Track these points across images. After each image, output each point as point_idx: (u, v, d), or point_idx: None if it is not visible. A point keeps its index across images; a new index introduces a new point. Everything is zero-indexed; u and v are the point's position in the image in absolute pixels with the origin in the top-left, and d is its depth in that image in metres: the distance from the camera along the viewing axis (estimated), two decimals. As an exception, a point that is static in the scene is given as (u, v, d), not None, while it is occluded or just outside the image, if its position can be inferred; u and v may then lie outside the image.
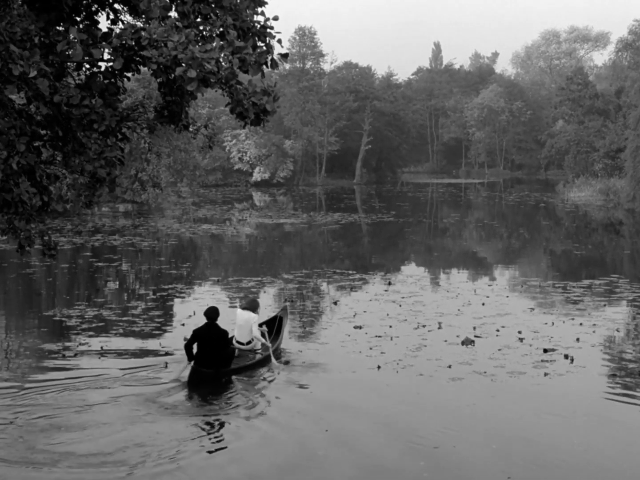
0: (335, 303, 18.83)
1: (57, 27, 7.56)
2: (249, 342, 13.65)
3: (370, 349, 14.35)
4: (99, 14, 8.10)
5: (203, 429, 10.50)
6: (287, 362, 13.47)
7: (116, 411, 10.88)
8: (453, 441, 9.97)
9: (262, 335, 13.86)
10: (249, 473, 9.09)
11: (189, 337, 12.83)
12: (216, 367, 12.42)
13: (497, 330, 15.81)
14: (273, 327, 14.72)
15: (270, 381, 12.66)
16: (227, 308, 18.55)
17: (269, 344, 13.68)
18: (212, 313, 12.69)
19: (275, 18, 7.40)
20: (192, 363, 12.40)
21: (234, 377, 12.62)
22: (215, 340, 12.42)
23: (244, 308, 13.85)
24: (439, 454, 9.60)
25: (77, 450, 9.56)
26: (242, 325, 13.65)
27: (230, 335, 13.21)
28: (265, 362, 13.31)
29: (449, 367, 13.17)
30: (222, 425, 10.73)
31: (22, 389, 11.85)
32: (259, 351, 13.66)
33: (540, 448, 9.79)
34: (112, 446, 9.67)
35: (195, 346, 12.54)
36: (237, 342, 13.70)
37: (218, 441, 10.17)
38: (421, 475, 9.02)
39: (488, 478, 9.00)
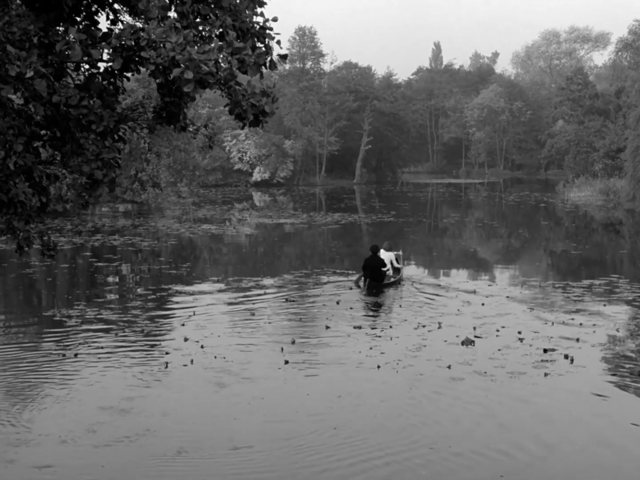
0: (337, 302, 18.78)
1: (57, 27, 7.54)
2: (387, 269, 21.56)
3: (370, 349, 14.35)
4: (99, 14, 8.08)
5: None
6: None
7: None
8: (449, 441, 9.97)
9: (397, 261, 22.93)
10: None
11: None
12: (378, 281, 20.85)
13: (497, 331, 15.80)
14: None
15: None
16: (229, 305, 18.58)
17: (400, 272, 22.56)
18: (374, 248, 21.44)
19: (275, 19, 7.38)
20: (366, 279, 20.80)
21: (386, 288, 20.78)
22: (377, 265, 20.91)
23: (385, 250, 22.30)
24: (435, 453, 9.60)
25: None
26: (384, 258, 21.73)
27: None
28: (397, 282, 21.70)
29: (449, 367, 13.16)
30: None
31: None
32: (392, 275, 21.99)
33: (538, 448, 9.79)
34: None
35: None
36: None
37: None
38: (420, 474, 9.02)
39: (485, 477, 9.00)
